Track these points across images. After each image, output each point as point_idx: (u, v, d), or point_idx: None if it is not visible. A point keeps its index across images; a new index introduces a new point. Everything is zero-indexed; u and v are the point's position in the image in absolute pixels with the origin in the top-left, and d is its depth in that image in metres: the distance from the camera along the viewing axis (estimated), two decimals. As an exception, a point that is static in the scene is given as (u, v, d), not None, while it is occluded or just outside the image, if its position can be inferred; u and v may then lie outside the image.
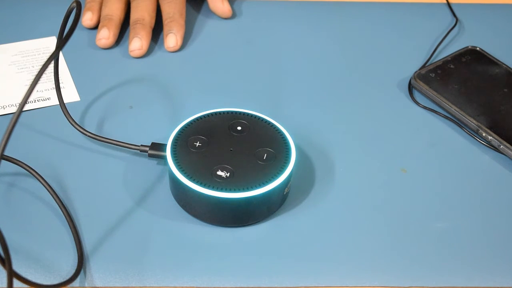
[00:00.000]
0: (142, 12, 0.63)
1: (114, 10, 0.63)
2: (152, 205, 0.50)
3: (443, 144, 0.56)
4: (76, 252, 0.46)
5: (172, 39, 0.62)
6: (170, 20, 0.63)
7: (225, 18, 0.67)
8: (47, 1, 0.68)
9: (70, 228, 0.48)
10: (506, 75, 0.61)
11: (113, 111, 0.57)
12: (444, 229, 0.49)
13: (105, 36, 0.62)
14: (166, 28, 0.63)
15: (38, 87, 0.58)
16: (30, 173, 0.51)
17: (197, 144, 0.49)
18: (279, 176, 0.47)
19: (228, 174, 0.47)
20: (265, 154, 0.48)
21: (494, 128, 0.55)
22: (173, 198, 0.50)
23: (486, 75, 0.61)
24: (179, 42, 0.63)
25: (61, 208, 0.49)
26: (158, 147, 0.52)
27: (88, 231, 0.48)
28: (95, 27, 0.64)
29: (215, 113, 0.52)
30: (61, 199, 0.49)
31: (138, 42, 0.61)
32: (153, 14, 0.64)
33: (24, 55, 0.62)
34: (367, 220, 0.50)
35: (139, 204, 0.50)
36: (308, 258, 0.47)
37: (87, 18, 0.64)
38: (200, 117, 0.51)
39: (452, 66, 0.61)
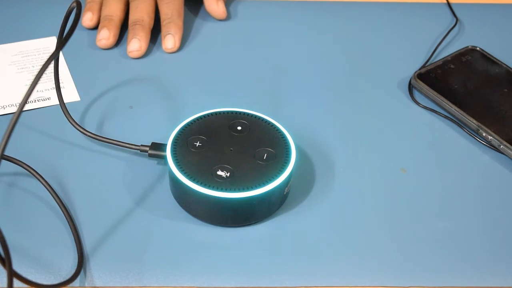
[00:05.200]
0: (141, 13, 0.63)
1: (114, 10, 0.63)
2: (152, 205, 0.50)
3: (443, 144, 0.56)
4: (76, 252, 0.46)
5: (170, 41, 0.62)
6: (168, 21, 0.63)
7: (220, 20, 0.67)
8: (47, 1, 0.68)
9: (70, 228, 0.48)
10: (506, 75, 0.61)
11: (113, 111, 0.57)
12: (444, 229, 0.49)
13: (105, 36, 0.62)
14: (164, 29, 0.63)
15: (38, 87, 0.58)
16: (30, 173, 0.51)
17: (197, 144, 0.49)
18: (279, 176, 0.47)
19: (228, 174, 0.47)
20: (265, 154, 0.48)
21: (494, 128, 0.55)
22: (173, 198, 0.50)
23: (486, 75, 0.61)
24: (177, 44, 0.63)
25: (61, 208, 0.49)
26: (158, 147, 0.52)
27: (88, 231, 0.48)
28: (95, 28, 0.64)
29: (215, 113, 0.52)
30: (61, 199, 0.49)
31: (137, 43, 0.61)
32: (152, 15, 0.64)
33: (24, 55, 0.62)
34: (367, 220, 0.50)
35: (139, 204, 0.50)
36: (308, 258, 0.47)
37: (87, 19, 0.64)
38: (200, 117, 0.51)
39: (452, 66, 0.61)
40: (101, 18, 0.64)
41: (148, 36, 0.63)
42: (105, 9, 0.64)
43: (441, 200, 0.51)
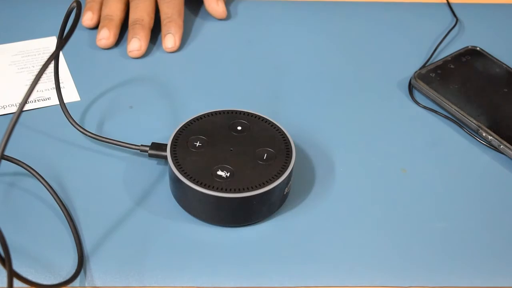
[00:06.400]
0: (141, 13, 0.63)
1: (114, 10, 0.63)
2: (152, 205, 0.50)
3: (443, 144, 0.56)
4: (76, 252, 0.46)
5: (170, 40, 0.63)
6: (169, 21, 0.63)
7: (220, 19, 0.67)
8: (47, 1, 0.68)
9: (70, 228, 0.48)
10: (506, 75, 0.61)
11: (113, 111, 0.57)
12: (444, 229, 0.49)
13: (105, 36, 0.62)
14: (164, 28, 0.63)
15: (38, 87, 0.58)
16: (30, 173, 0.51)
17: (197, 144, 0.49)
18: (279, 176, 0.47)
19: (228, 174, 0.47)
20: (265, 154, 0.48)
21: (494, 128, 0.55)
22: (173, 198, 0.50)
23: (486, 75, 0.61)
24: (177, 43, 0.63)
25: (61, 208, 0.49)
26: (158, 147, 0.52)
27: (88, 231, 0.48)
28: (95, 27, 0.64)
29: (215, 113, 0.52)
30: (61, 199, 0.49)
31: (137, 43, 0.61)
32: (152, 15, 0.64)
33: (24, 55, 0.62)
34: (367, 220, 0.50)
35: (139, 204, 0.50)
36: (308, 258, 0.47)
37: (87, 18, 0.64)
38: (200, 117, 0.51)
39: (452, 66, 0.61)
40: (101, 17, 0.64)
41: (148, 36, 0.63)
42: (105, 9, 0.64)
43: (441, 200, 0.51)
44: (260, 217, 0.49)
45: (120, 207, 0.49)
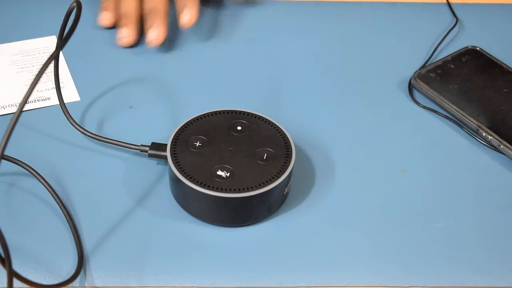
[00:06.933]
0: (155, 2, 0.62)
1: (131, 7, 0.63)
2: (152, 205, 0.50)
3: (443, 144, 0.56)
4: (76, 252, 0.46)
5: (187, 14, 0.61)
6: None
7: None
8: (47, 1, 0.68)
9: (70, 228, 0.48)
10: (506, 75, 0.61)
11: (113, 111, 0.57)
12: (444, 229, 0.49)
13: (127, 35, 0.62)
14: (179, 5, 0.62)
15: (38, 87, 0.58)
16: (30, 173, 0.51)
17: (197, 144, 0.49)
18: (279, 176, 0.47)
19: (228, 174, 0.47)
20: (265, 154, 0.49)
21: (494, 128, 0.55)
22: (173, 198, 0.50)
23: (486, 75, 0.61)
24: (194, 17, 0.61)
25: (61, 208, 0.49)
26: (158, 147, 0.52)
27: (88, 231, 0.48)
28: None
29: (215, 113, 0.52)
30: (61, 199, 0.49)
31: (154, 32, 0.61)
32: (166, 2, 0.63)
33: (24, 55, 0.62)
34: (367, 220, 0.50)
35: (139, 204, 0.50)
36: (308, 258, 0.47)
37: (105, 18, 0.63)
38: (200, 117, 0.51)
39: (452, 66, 0.61)
40: (119, 16, 0.63)
41: (166, 23, 0.61)
42: (122, 7, 0.63)
43: (441, 200, 0.51)
44: (260, 217, 0.49)
45: (120, 207, 0.49)
